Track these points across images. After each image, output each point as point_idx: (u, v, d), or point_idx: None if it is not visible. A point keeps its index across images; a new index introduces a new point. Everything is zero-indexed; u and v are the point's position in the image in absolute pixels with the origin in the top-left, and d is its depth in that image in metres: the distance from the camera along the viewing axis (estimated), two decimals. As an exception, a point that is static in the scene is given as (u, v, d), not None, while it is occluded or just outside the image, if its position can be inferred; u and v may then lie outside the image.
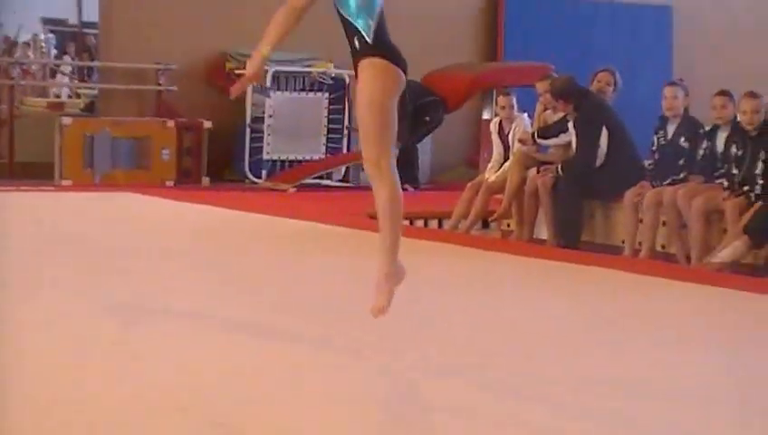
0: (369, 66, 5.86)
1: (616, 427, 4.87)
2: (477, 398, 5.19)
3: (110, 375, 5.36)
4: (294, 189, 13.54)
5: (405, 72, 5.91)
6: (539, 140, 10.64)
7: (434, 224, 11.37)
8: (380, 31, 5.85)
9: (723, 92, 9.75)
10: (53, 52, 19.90)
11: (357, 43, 5.90)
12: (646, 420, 4.97)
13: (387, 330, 5.96)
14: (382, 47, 5.86)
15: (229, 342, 6.03)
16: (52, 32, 20.55)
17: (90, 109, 15.14)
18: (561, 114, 10.58)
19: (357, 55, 5.92)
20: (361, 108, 5.90)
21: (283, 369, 5.58)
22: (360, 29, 5.88)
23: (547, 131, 10.62)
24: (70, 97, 17.10)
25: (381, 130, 5.87)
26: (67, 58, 19.43)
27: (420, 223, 11.37)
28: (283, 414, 4.81)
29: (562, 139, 10.48)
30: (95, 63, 16.13)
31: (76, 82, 18.17)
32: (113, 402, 4.87)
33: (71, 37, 20.39)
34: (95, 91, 15.51)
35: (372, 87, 5.86)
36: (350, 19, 5.92)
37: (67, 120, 13.56)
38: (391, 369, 5.67)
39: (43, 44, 19.63)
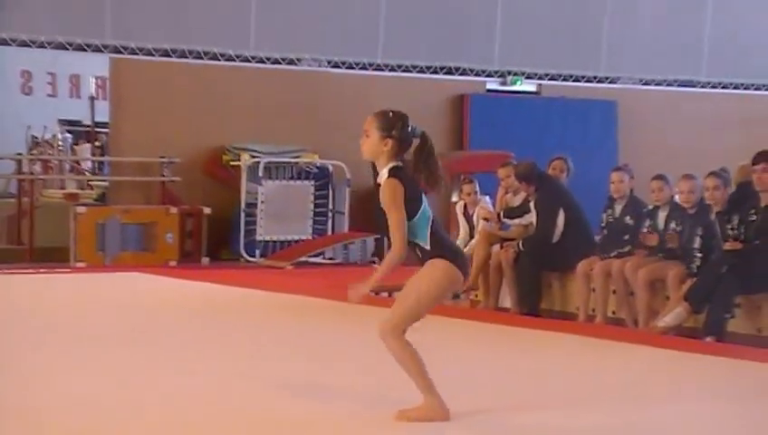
0: (429, 265, 5.96)
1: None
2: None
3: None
4: (291, 267, 13.55)
5: (464, 270, 6.05)
6: (505, 220, 10.71)
7: (410, 296, 11.36)
8: (436, 236, 5.99)
9: (659, 177, 9.85)
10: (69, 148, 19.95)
11: (419, 252, 6.03)
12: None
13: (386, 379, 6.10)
14: (440, 250, 6.00)
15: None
16: (68, 131, 20.61)
17: (102, 198, 15.15)
18: (521, 196, 10.65)
19: (421, 262, 6.02)
20: (410, 285, 6.01)
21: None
22: (419, 241, 6.00)
23: (512, 212, 10.68)
24: (83, 188, 17.10)
25: (409, 314, 5.99)
26: (82, 154, 19.48)
27: (395, 295, 11.37)
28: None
29: (526, 219, 10.54)
30: (106, 158, 16.15)
31: (89, 175, 18.14)
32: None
33: (85, 136, 20.45)
34: (106, 183, 15.51)
35: (425, 278, 5.96)
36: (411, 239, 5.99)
37: (81, 209, 13.56)
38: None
39: (61, 143, 19.66)
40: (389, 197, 5.94)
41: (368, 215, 14.55)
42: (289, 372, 7.02)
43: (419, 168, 6.12)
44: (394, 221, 5.92)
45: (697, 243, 9.37)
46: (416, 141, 6.10)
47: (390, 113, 6.17)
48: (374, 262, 14.16)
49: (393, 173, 6.01)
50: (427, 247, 6.02)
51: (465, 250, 10.75)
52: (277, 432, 5.59)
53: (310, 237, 14.46)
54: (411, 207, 5.99)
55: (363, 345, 7.63)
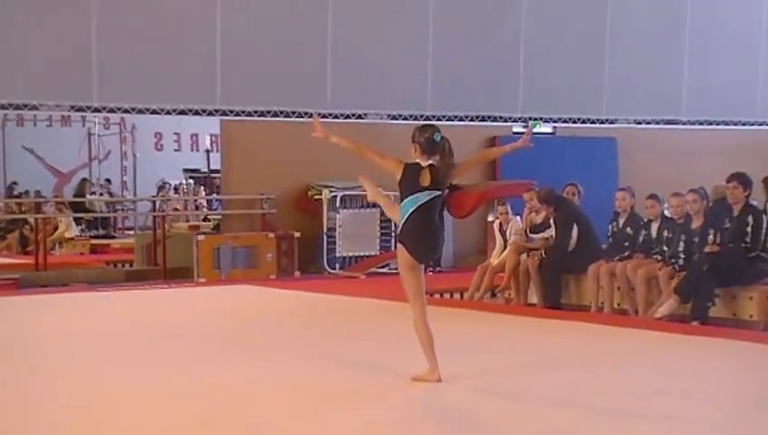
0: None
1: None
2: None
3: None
4: (364, 276, 13.60)
5: (410, 251, 6.07)
6: (531, 235, 10.72)
7: (457, 295, 11.38)
8: (405, 225, 6.10)
9: (651, 196, 9.90)
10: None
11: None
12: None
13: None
14: (402, 235, 6.16)
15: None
16: (191, 177, 20.82)
17: (216, 228, 15.29)
18: (542, 215, 10.65)
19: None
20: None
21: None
22: (399, 222, 6.22)
23: (536, 228, 10.71)
24: (203, 221, 17.28)
25: (410, 298, 6.19)
26: (203, 194, 19.75)
27: (447, 295, 11.40)
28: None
29: (547, 233, 10.56)
30: (219, 197, 16.31)
31: (207, 211, 18.36)
32: None
33: (203, 180, 20.66)
34: (220, 216, 15.66)
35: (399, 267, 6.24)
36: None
37: (201, 237, 13.71)
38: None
39: (185, 186, 19.88)
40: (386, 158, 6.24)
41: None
42: (366, 354, 7.02)
43: (444, 162, 6.15)
44: (377, 155, 6.28)
45: (681, 247, 9.34)
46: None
47: (419, 126, 6.30)
48: (431, 270, 14.16)
49: (407, 162, 6.13)
50: (398, 231, 6.22)
51: (499, 259, 10.85)
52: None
53: (377, 253, 14.49)
54: (402, 189, 6.13)
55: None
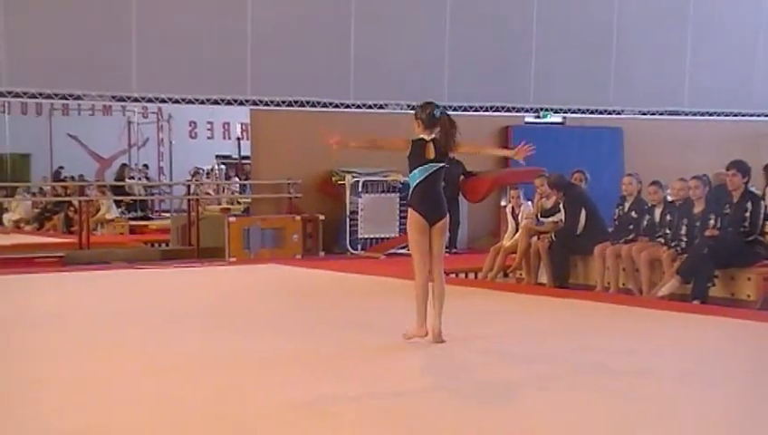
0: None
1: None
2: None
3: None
4: (384, 257, 13.57)
5: (420, 212, 6.40)
6: (541, 219, 10.68)
7: (471, 275, 11.38)
8: (415, 191, 6.47)
9: (654, 182, 9.84)
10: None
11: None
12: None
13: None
14: (411, 200, 6.52)
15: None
16: (222, 163, 20.87)
17: (246, 211, 15.32)
18: (552, 200, 10.61)
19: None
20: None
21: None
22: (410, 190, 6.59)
23: (546, 212, 10.67)
24: (233, 204, 17.32)
25: (414, 258, 6.58)
26: (234, 179, 19.78)
27: (462, 275, 11.39)
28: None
29: (556, 217, 10.52)
30: (249, 182, 16.34)
31: (237, 194, 18.41)
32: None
33: (234, 166, 20.71)
34: (249, 200, 15.68)
35: (407, 229, 6.56)
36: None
37: (232, 219, 13.72)
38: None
39: (217, 172, 19.93)
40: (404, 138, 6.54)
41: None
42: (384, 323, 7.02)
43: (444, 133, 6.43)
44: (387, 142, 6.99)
45: (683, 230, 9.29)
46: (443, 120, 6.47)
47: (420, 104, 6.61)
48: (447, 251, 14.13)
49: (413, 139, 6.47)
50: (409, 198, 6.53)
51: (511, 241, 10.82)
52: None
53: (396, 235, 14.46)
54: (411, 162, 6.47)
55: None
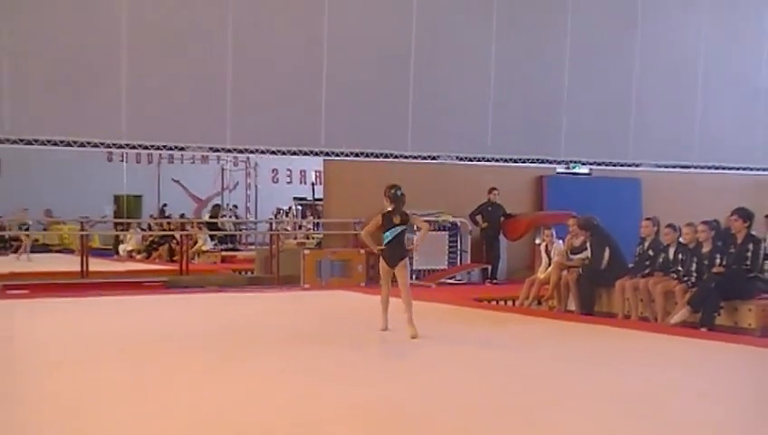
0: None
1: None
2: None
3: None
4: (435, 285, 13.55)
5: (386, 260, 7.75)
6: (571, 255, 10.60)
7: (510, 302, 11.32)
8: (387, 245, 7.77)
9: (669, 225, 9.73)
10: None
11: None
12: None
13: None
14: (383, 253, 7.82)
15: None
16: (299, 204, 21.06)
17: (318, 245, 15.42)
18: (581, 240, 10.53)
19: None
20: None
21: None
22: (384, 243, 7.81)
23: (576, 250, 10.59)
24: (308, 239, 17.46)
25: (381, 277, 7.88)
26: (308, 218, 19.94)
27: (502, 302, 11.34)
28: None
29: (584, 254, 10.44)
30: (321, 220, 16.46)
31: (312, 230, 18.54)
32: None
33: (308, 207, 20.90)
34: (321, 235, 15.79)
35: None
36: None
37: (307, 251, 13.82)
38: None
39: (294, 212, 20.12)
40: (373, 219, 7.83)
41: (481, 252, 14.53)
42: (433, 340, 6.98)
43: (398, 206, 7.71)
44: (366, 227, 7.93)
45: (693, 267, 9.18)
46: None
47: (389, 185, 7.84)
48: (489, 281, 14.10)
49: (382, 213, 7.74)
50: (382, 248, 7.76)
51: (544, 274, 10.76)
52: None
53: (446, 267, 14.47)
54: (384, 227, 7.72)
55: (487, 326, 7.61)
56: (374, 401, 5.05)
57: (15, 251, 18.71)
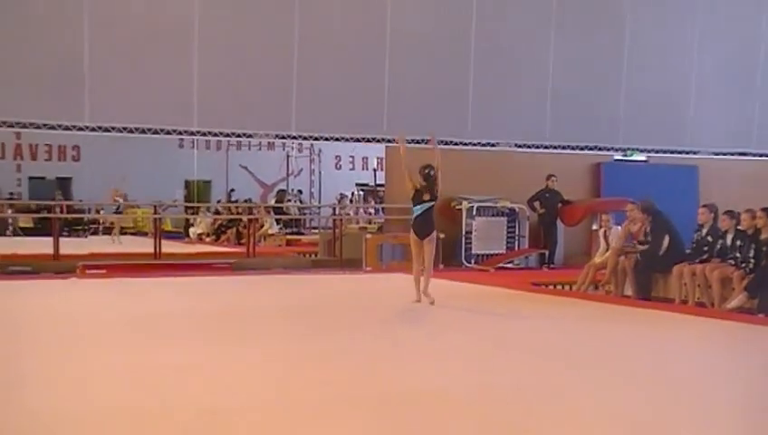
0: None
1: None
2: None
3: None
4: (493, 270, 13.50)
5: (416, 233, 8.43)
6: (638, 246, 10.27)
7: (567, 287, 11.21)
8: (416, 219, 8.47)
9: (727, 212, 9.51)
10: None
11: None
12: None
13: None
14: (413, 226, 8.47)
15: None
16: (361, 190, 21.13)
17: (380, 229, 15.47)
18: (638, 226, 10.31)
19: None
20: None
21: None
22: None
23: (641, 241, 10.24)
24: (370, 223, 17.53)
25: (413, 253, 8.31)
26: (370, 203, 20.01)
27: (560, 286, 11.24)
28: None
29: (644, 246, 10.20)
30: (382, 205, 16.50)
31: (373, 216, 18.61)
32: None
33: (370, 192, 20.96)
34: (382, 220, 15.82)
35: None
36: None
37: (368, 236, 13.89)
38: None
39: (357, 197, 20.20)
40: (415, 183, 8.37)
41: (538, 237, 14.41)
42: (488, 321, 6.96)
43: (429, 185, 8.33)
44: (408, 172, 8.47)
45: (751, 254, 8.97)
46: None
47: (423, 165, 8.42)
48: (546, 266, 13.98)
49: (416, 187, 8.41)
50: (411, 222, 8.40)
51: (601, 259, 10.61)
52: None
53: (504, 251, 14.38)
54: (414, 199, 8.37)
55: (535, 313, 7.56)
56: (448, 385, 5.07)
57: (94, 233, 19.22)
